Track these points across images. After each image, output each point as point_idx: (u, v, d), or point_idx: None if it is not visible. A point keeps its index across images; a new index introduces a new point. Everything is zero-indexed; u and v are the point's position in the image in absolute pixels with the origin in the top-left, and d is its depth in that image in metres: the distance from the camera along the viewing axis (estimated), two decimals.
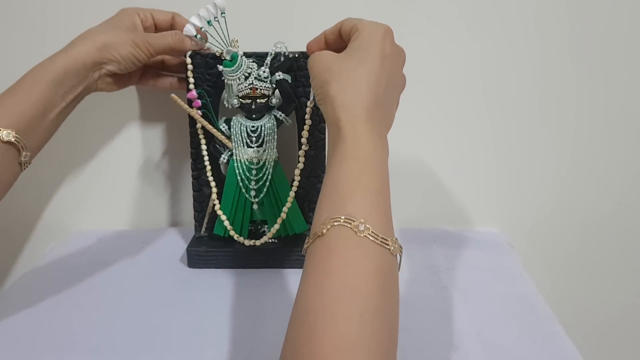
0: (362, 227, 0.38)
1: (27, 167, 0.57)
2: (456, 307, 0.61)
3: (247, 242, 0.68)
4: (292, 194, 0.66)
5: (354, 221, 0.38)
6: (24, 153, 0.55)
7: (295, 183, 0.66)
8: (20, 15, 0.71)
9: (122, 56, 0.60)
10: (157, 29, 0.66)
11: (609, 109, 0.74)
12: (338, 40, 0.54)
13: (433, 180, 0.78)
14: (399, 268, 0.40)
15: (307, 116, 0.64)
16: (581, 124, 0.75)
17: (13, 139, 0.53)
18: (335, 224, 0.39)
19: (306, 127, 0.64)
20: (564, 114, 0.75)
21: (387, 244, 0.39)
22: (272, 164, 0.66)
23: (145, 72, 0.69)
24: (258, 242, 0.68)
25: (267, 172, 0.66)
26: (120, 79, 0.65)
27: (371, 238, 0.38)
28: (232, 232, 0.67)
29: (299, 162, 0.65)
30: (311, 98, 0.64)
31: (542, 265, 0.81)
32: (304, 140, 0.64)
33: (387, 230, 0.40)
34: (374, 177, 0.42)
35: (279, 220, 0.66)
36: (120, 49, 0.60)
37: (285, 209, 0.66)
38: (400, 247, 0.40)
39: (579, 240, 0.81)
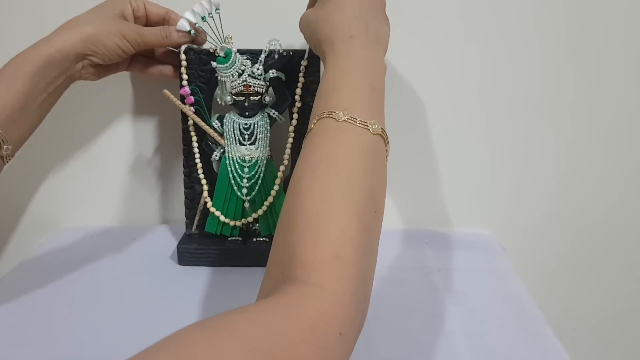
0: (341, 114, 0.43)
1: (9, 160, 0.55)
2: (447, 309, 0.61)
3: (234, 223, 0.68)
4: (276, 187, 0.66)
5: (335, 112, 0.43)
6: (4, 147, 0.54)
7: (279, 174, 0.66)
8: (17, 6, 0.70)
9: (108, 48, 0.59)
10: (149, 21, 0.64)
11: (603, 111, 0.74)
12: None
13: (425, 182, 0.78)
14: (387, 152, 0.46)
15: (295, 115, 0.65)
16: (575, 126, 0.75)
17: None
18: (319, 118, 0.44)
19: (293, 123, 0.65)
20: (558, 116, 0.75)
21: (366, 125, 0.43)
22: (265, 161, 0.66)
23: (134, 60, 0.67)
24: (238, 223, 0.68)
25: (259, 170, 0.66)
26: (105, 68, 0.63)
27: (350, 122, 0.43)
28: (223, 219, 0.67)
29: (284, 158, 0.66)
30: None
31: (534, 267, 0.81)
32: (291, 140, 0.65)
33: (368, 116, 0.44)
34: (360, 78, 0.46)
35: (266, 204, 0.67)
36: (106, 40, 0.58)
37: (270, 198, 0.66)
38: (383, 129, 0.44)
39: (572, 243, 0.81)
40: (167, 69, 0.68)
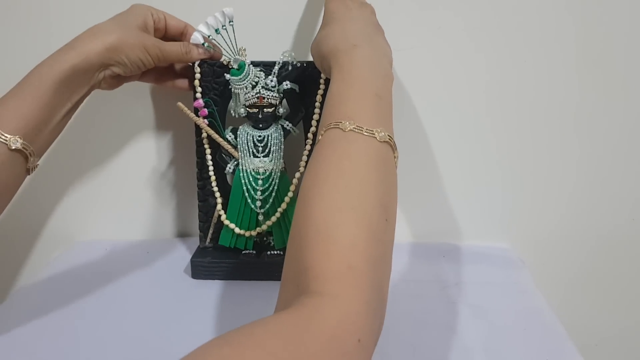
0: (347, 124, 0.43)
1: (32, 172, 0.55)
2: (465, 323, 0.60)
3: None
4: (287, 198, 0.65)
5: (341, 122, 0.44)
6: (31, 159, 0.53)
7: (292, 187, 0.65)
8: (24, 11, 0.71)
9: (130, 60, 0.58)
10: (167, 34, 0.64)
11: (623, 121, 0.73)
12: None
13: (443, 195, 0.77)
14: (396, 159, 0.46)
15: (312, 129, 0.64)
16: (594, 137, 0.74)
17: (20, 146, 0.51)
18: (327, 129, 0.44)
19: (309, 141, 0.64)
20: (577, 127, 0.73)
21: (373, 134, 0.43)
22: (279, 174, 0.65)
23: (148, 70, 0.64)
24: (254, 233, 0.67)
25: (273, 182, 0.65)
26: (121, 79, 0.62)
27: (356, 131, 0.43)
28: (238, 231, 0.67)
29: (298, 170, 0.65)
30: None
31: (554, 281, 0.80)
32: (306, 152, 0.64)
33: (375, 124, 0.44)
34: (365, 87, 0.47)
35: (279, 211, 0.66)
36: (129, 51, 0.57)
37: (283, 205, 0.65)
38: (390, 137, 0.44)
39: (592, 255, 0.79)
40: (181, 82, 0.67)
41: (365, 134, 0.43)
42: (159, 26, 0.62)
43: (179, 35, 0.64)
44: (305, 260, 0.37)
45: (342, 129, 0.43)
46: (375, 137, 0.43)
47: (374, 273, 0.37)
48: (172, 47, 0.61)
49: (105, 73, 0.58)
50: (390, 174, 0.45)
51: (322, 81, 0.63)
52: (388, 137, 0.44)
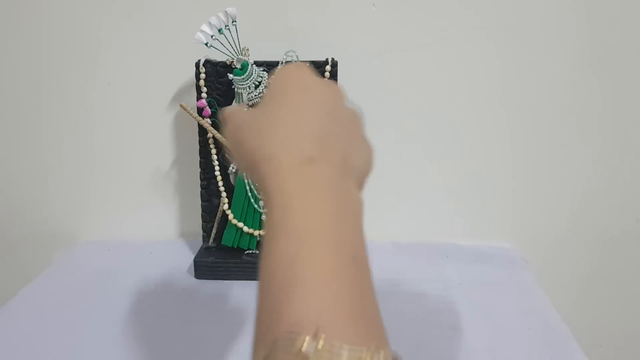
0: (311, 347, 0.22)
1: None
2: (469, 323, 0.60)
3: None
4: None
5: (298, 335, 0.22)
6: None
7: None
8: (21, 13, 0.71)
9: None
10: None
11: (627, 122, 0.73)
12: None
13: (446, 194, 0.77)
14: None
15: None
16: (599, 137, 0.74)
17: None
18: (270, 350, 0.23)
19: None
20: (581, 127, 0.73)
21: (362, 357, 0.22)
22: None
23: None
24: (262, 232, 0.66)
25: None
26: None
27: (329, 354, 0.22)
28: (247, 229, 0.67)
29: None
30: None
31: (558, 281, 0.79)
32: None
33: (363, 335, 0.24)
34: (334, 244, 0.26)
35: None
36: None
37: None
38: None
39: (596, 255, 0.79)
40: None
41: None
42: None
43: None
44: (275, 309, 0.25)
45: (300, 349, 0.22)
46: None
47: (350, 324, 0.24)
48: None
49: None
50: None
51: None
52: None
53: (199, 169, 0.68)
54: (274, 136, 0.30)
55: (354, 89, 0.71)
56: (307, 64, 0.37)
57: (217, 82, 0.65)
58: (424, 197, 0.77)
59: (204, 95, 0.65)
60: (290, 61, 0.63)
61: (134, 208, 0.79)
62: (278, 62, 0.63)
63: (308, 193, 0.27)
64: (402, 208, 0.77)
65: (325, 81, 0.36)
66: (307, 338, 0.22)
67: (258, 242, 0.69)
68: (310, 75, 0.35)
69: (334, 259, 0.25)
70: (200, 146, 0.67)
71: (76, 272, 0.71)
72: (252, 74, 0.62)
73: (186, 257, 0.74)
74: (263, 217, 0.67)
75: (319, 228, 0.26)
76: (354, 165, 0.31)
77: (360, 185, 0.31)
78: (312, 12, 0.70)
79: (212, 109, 0.65)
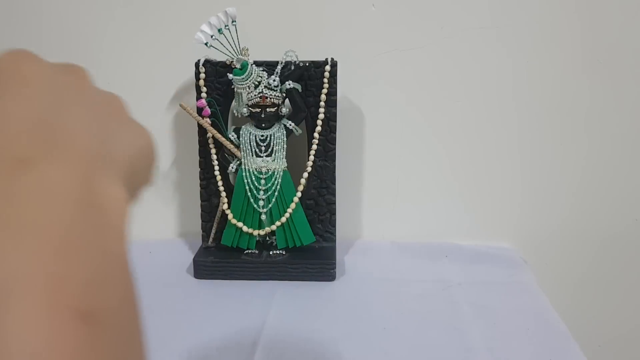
0: None
1: None
2: (468, 323, 0.60)
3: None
4: (295, 198, 0.65)
5: None
6: None
7: (300, 187, 0.65)
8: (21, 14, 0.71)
9: None
10: None
11: (626, 122, 0.73)
12: None
13: (445, 194, 0.77)
14: None
15: (318, 128, 0.64)
16: (597, 138, 0.74)
17: None
18: None
19: (315, 140, 0.65)
20: (580, 127, 0.73)
21: None
22: (281, 173, 0.65)
23: None
24: (262, 232, 0.67)
25: (276, 181, 0.65)
26: None
27: None
28: (246, 229, 0.67)
29: (305, 170, 0.66)
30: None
31: (557, 281, 0.79)
32: (312, 152, 0.64)
33: None
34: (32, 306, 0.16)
35: (285, 217, 0.66)
36: None
37: (290, 209, 0.65)
38: None
39: (595, 255, 0.79)
40: None
41: None
42: None
43: None
44: None
45: None
46: None
47: None
48: None
49: None
50: None
51: (325, 80, 0.63)
52: None
53: (199, 169, 0.68)
54: None
55: (354, 89, 0.71)
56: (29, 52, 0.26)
57: (217, 82, 0.65)
58: (424, 197, 0.77)
59: (203, 95, 0.65)
60: (290, 61, 0.63)
61: (133, 207, 0.79)
62: (277, 62, 0.63)
63: (12, 204, 0.17)
64: (402, 208, 0.77)
65: (65, 65, 0.26)
66: None
67: (257, 243, 0.69)
68: (36, 64, 0.24)
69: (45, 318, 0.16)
70: (199, 146, 0.67)
71: None
72: (251, 73, 0.62)
73: (185, 257, 0.73)
74: (263, 217, 0.67)
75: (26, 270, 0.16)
76: (111, 154, 0.23)
77: (131, 177, 0.24)
78: (312, 12, 0.70)
79: (212, 109, 0.65)
